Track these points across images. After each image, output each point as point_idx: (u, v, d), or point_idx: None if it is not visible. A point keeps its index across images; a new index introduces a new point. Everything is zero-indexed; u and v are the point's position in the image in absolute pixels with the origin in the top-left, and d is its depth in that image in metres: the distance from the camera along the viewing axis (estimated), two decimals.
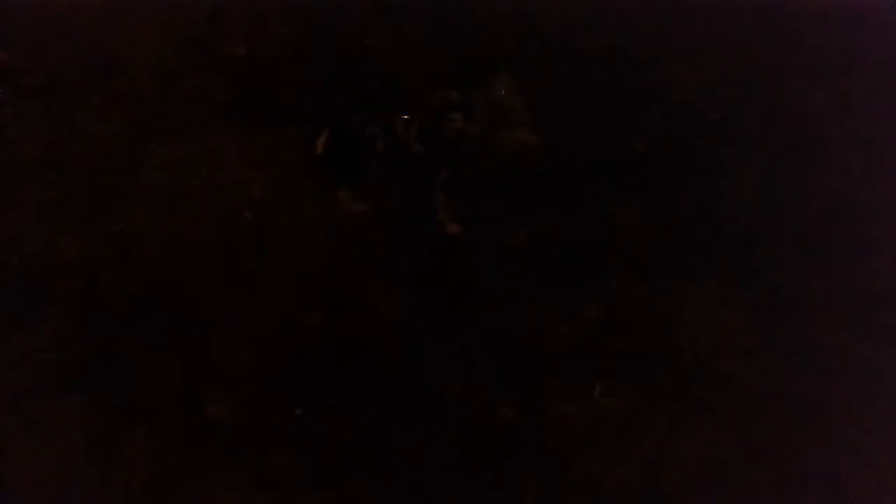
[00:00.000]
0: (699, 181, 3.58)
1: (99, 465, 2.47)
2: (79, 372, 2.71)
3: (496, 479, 2.48)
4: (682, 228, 3.34)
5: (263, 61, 4.22)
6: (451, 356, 2.80)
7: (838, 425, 2.64)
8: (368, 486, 2.45)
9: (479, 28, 4.54)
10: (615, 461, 2.52)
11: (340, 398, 2.67)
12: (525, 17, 4.65)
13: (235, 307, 2.95)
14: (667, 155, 3.72)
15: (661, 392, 2.71)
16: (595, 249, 3.23)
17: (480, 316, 2.96)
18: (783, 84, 4.19)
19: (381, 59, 4.26)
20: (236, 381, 2.71)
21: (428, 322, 2.92)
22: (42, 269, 3.06)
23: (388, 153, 3.25)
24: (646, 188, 3.51)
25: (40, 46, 4.24)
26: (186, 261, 3.12)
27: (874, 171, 3.65)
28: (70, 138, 3.69)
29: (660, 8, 4.74)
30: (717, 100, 4.07)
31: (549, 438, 2.59)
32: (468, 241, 3.25)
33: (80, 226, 3.25)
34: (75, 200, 3.37)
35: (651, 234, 3.31)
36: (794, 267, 3.18)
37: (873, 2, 4.79)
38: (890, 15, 4.72)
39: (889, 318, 2.98)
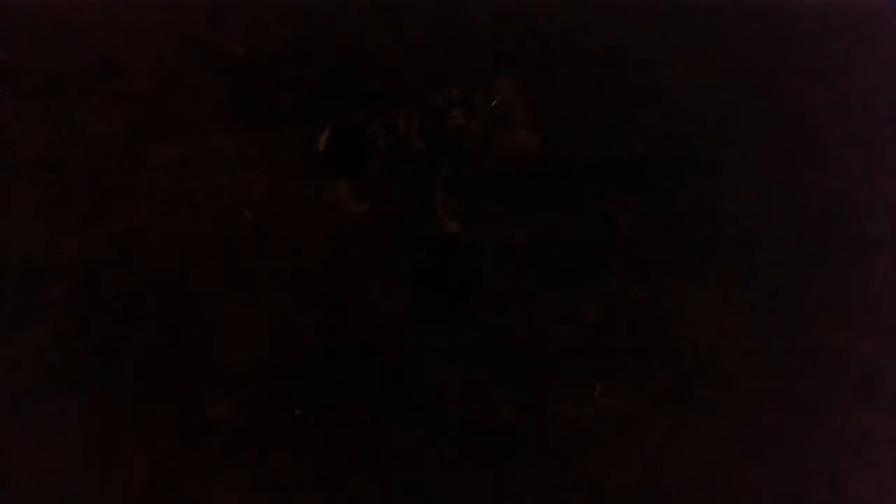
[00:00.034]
0: (699, 181, 3.58)
1: (99, 465, 2.47)
2: (79, 372, 2.71)
3: (496, 479, 2.48)
4: (682, 228, 3.34)
5: (263, 61, 4.21)
6: (451, 356, 2.80)
7: (838, 425, 2.64)
8: (368, 486, 2.45)
9: (479, 28, 4.53)
10: (615, 461, 2.52)
11: (340, 398, 2.67)
12: (525, 17, 4.64)
13: (235, 307, 2.95)
14: (667, 155, 3.72)
15: (661, 392, 2.71)
16: (595, 249, 3.23)
17: (480, 316, 2.96)
18: (783, 84, 4.19)
19: (381, 60, 4.25)
20: (236, 381, 2.71)
21: (428, 322, 2.92)
22: (42, 269, 3.06)
23: (389, 150, 3.25)
24: (646, 188, 3.51)
25: (40, 46, 4.23)
26: (186, 261, 3.12)
27: (874, 171, 3.65)
28: (70, 138, 3.69)
29: (660, 8, 4.74)
30: (717, 100, 4.06)
31: (549, 438, 2.59)
32: (468, 241, 3.24)
33: (80, 226, 3.25)
34: (75, 200, 3.37)
35: (651, 234, 3.31)
36: (794, 267, 3.18)
37: (873, 2, 4.79)
38: (890, 15, 4.72)
39: (889, 318, 2.98)
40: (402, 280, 3.07)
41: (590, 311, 2.98)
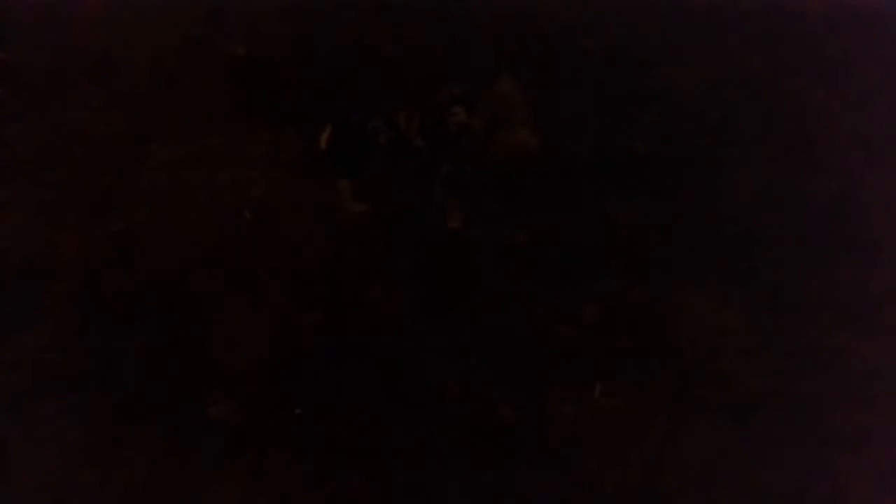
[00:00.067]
0: (699, 181, 3.58)
1: (99, 465, 2.47)
2: (79, 372, 2.72)
3: (496, 479, 2.48)
4: (682, 228, 3.34)
5: (263, 61, 4.21)
6: (451, 356, 2.81)
7: (838, 425, 2.64)
8: (368, 486, 2.45)
9: (479, 28, 4.53)
10: (615, 461, 2.52)
11: (340, 398, 2.67)
12: (525, 17, 4.64)
13: (235, 307, 2.95)
14: (667, 155, 3.72)
15: (661, 392, 2.72)
16: (595, 249, 3.23)
17: (480, 316, 2.96)
18: (783, 84, 4.19)
19: (381, 60, 4.26)
20: (236, 381, 2.71)
21: (428, 322, 2.92)
22: (42, 269, 3.06)
23: (390, 147, 3.25)
24: (646, 188, 3.51)
25: (40, 46, 4.23)
26: (186, 261, 3.12)
27: (874, 171, 3.65)
28: (70, 138, 3.69)
29: (660, 8, 4.74)
30: (717, 100, 4.06)
31: (549, 438, 2.59)
32: (468, 241, 3.25)
33: (80, 226, 3.25)
34: (75, 200, 3.37)
35: (651, 234, 3.31)
36: (794, 267, 3.18)
37: (873, 2, 4.79)
38: (890, 15, 4.72)
39: (889, 318, 2.98)
40: (402, 280, 3.07)
41: (590, 311, 2.98)
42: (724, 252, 3.23)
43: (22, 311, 2.90)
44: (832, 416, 2.66)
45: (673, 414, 2.64)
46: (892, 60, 4.37)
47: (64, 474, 2.45)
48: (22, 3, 4.52)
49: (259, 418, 2.61)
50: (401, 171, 3.32)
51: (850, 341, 2.89)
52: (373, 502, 2.43)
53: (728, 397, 2.70)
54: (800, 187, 3.56)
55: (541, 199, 3.46)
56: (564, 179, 3.54)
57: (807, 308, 3.02)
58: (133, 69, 4.13)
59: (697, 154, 3.74)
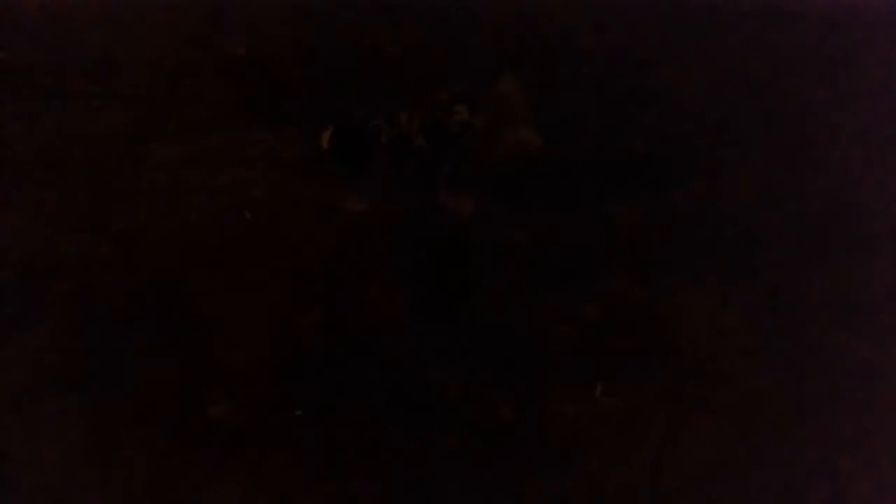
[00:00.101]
0: (699, 181, 3.58)
1: (99, 465, 2.47)
2: (79, 372, 2.71)
3: (496, 479, 2.48)
4: (682, 228, 3.34)
5: (263, 61, 4.21)
6: (451, 356, 2.80)
7: (838, 425, 2.64)
8: (368, 486, 2.45)
9: (479, 28, 4.53)
10: (615, 461, 2.52)
11: (340, 398, 2.67)
12: (525, 17, 4.64)
13: (235, 307, 2.95)
14: (667, 155, 3.72)
15: (661, 392, 2.71)
16: (595, 249, 3.23)
17: (480, 316, 2.96)
18: (783, 84, 4.18)
19: (381, 60, 4.25)
20: (236, 381, 2.71)
21: (428, 322, 2.92)
22: (42, 269, 3.06)
23: (391, 146, 3.26)
24: (646, 188, 3.51)
25: (40, 46, 4.23)
26: (186, 261, 3.12)
27: (874, 171, 3.65)
28: (70, 138, 3.69)
29: (660, 8, 4.73)
30: (717, 100, 4.06)
31: (549, 438, 2.59)
32: (468, 241, 3.24)
33: (80, 226, 3.25)
34: (75, 200, 3.37)
35: (651, 234, 3.31)
36: (794, 267, 3.18)
37: (873, 2, 4.78)
38: (890, 15, 4.72)
39: (889, 318, 2.98)
40: (402, 280, 3.07)
41: (590, 311, 2.98)
42: (724, 252, 3.23)
43: (22, 311, 2.89)
44: (832, 416, 2.66)
45: (673, 414, 2.64)
46: (892, 60, 4.37)
47: (64, 474, 2.45)
48: (22, 3, 4.52)
49: (259, 418, 2.61)
50: (402, 171, 3.32)
51: (850, 341, 2.89)
52: (373, 502, 2.42)
53: (728, 397, 2.70)
54: (800, 187, 3.55)
55: (541, 198, 3.46)
56: (564, 179, 3.54)
57: (807, 308, 3.01)
58: (133, 69, 4.13)
59: (697, 154, 3.74)
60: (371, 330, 2.89)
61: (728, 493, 2.46)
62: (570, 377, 2.75)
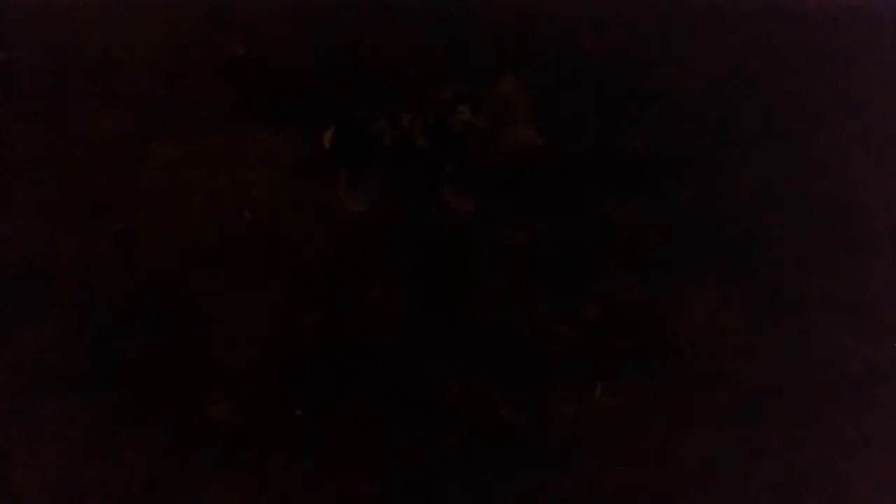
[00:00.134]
0: (699, 181, 3.58)
1: (99, 465, 2.47)
2: (79, 372, 2.71)
3: (496, 479, 2.48)
4: (682, 228, 3.34)
5: (263, 61, 4.21)
6: (451, 356, 2.80)
7: (838, 425, 2.64)
8: (368, 486, 2.45)
9: (479, 28, 4.53)
10: (615, 461, 2.52)
11: (340, 398, 2.67)
12: (525, 17, 4.64)
13: (235, 307, 2.95)
14: (667, 155, 3.72)
15: (661, 392, 2.72)
16: (595, 249, 3.23)
17: (480, 316, 2.96)
18: (783, 84, 4.18)
19: (381, 60, 4.25)
20: (236, 381, 2.71)
21: (428, 322, 2.92)
22: (42, 269, 3.06)
23: (393, 147, 3.25)
24: (646, 188, 3.51)
25: (40, 46, 4.23)
26: (186, 261, 3.12)
27: (874, 171, 3.65)
28: (70, 138, 3.68)
29: (660, 8, 4.73)
30: (717, 100, 4.06)
31: (549, 438, 2.59)
32: (468, 241, 3.24)
33: (80, 226, 3.25)
34: (75, 200, 3.37)
35: (651, 234, 3.31)
36: (794, 267, 3.18)
37: (873, 2, 4.78)
38: (890, 15, 4.72)
39: (889, 318, 2.98)
40: (402, 280, 3.07)
41: (590, 311, 2.98)
42: (724, 252, 3.23)
43: (22, 311, 2.89)
44: (832, 416, 2.66)
45: (673, 414, 2.64)
46: (893, 60, 4.37)
47: (64, 474, 2.45)
48: (22, 3, 4.52)
49: (259, 418, 2.61)
50: (404, 171, 3.32)
51: (850, 341, 2.89)
52: (373, 502, 2.42)
53: (728, 397, 2.70)
54: (800, 187, 3.55)
55: (541, 198, 3.46)
56: (564, 179, 3.54)
57: (807, 308, 3.02)
58: (133, 69, 4.13)
59: (697, 154, 3.74)
60: (371, 330, 2.89)
61: (728, 493, 2.46)
62: (570, 377, 2.75)
